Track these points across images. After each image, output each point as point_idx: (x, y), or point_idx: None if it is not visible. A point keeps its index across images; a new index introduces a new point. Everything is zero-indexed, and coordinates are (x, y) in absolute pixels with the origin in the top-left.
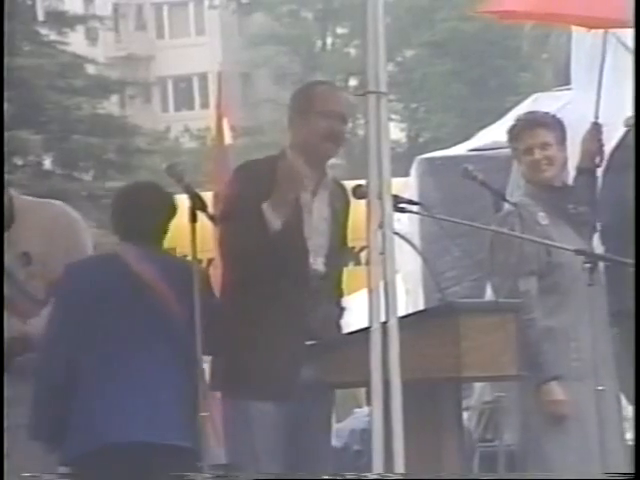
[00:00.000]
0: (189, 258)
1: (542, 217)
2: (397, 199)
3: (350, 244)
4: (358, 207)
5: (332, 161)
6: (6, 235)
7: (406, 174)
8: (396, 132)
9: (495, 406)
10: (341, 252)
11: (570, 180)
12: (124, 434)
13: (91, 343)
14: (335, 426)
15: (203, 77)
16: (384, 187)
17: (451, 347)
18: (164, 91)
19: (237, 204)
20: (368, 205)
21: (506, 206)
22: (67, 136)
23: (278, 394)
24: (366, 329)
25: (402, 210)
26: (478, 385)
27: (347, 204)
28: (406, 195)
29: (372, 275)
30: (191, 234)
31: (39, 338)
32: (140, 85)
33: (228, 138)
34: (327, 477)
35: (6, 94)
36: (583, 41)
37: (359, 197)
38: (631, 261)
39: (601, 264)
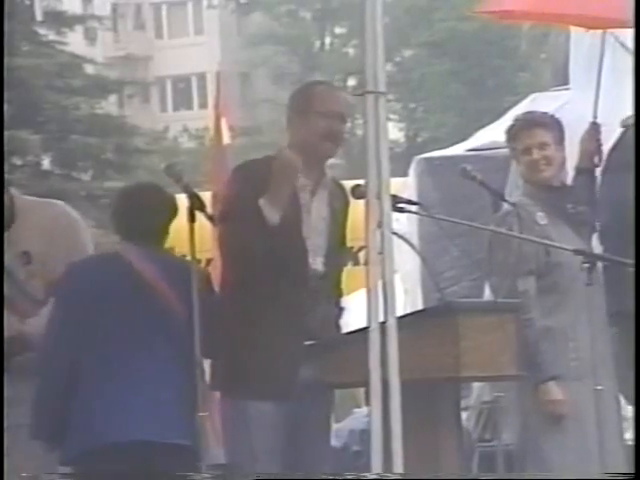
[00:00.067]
0: (188, 258)
1: (541, 217)
2: (396, 199)
3: (349, 244)
4: (357, 207)
5: (331, 161)
6: (6, 234)
7: (405, 174)
8: (395, 132)
9: (494, 406)
10: (340, 252)
11: (569, 180)
12: (124, 433)
13: (92, 342)
14: (334, 426)
15: (202, 77)
16: (383, 187)
17: (450, 347)
18: (163, 91)
19: (235, 204)
20: (367, 205)
21: (505, 206)
22: (65, 136)
23: (277, 394)
24: (365, 329)
25: (401, 210)
26: (477, 385)
27: (346, 204)
28: (405, 195)
29: (371, 275)
30: (190, 234)
31: (39, 337)
32: (139, 85)
33: (226, 138)
34: (326, 477)
35: (5, 94)
36: (581, 41)
37: (358, 197)
38: (630, 261)
39: (600, 264)
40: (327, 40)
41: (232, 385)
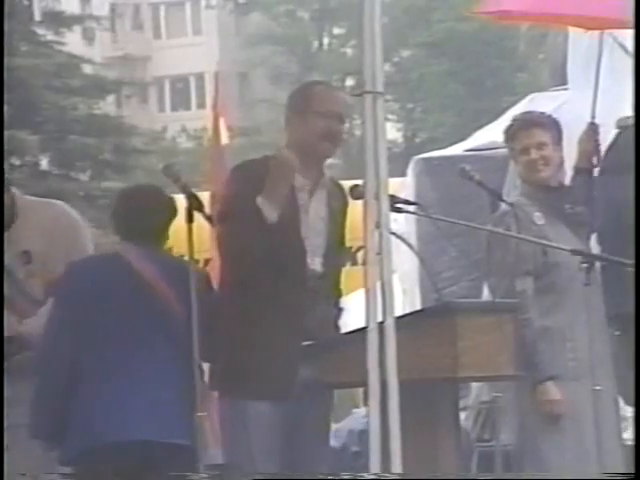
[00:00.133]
0: (186, 258)
1: (538, 217)
2: (394, 199)
3: (347, 244)
4: (355, 207)
5: (329, 161)
6: (7, 233)
7: (403, 174)
8: (393, 132)
9: (492, 406)
10: (339, 252)
11: (567, 180)
12: (123, 432)
13: (91, 342)
14: (333, 427)
15: (200, 77)
16: (381, 187)
17: (448, 347)
18: (161, 91)
19: (234, 204)
20: (365, 205)
21: (502, 206)
22: (64, 136)
23: (276, 394)
24: (363, 329)
25: (399, 210)
26: (475, 385)
27: (345, 204)
28: (403, 195)
29: (369, 275)
30: (188, 234)
31: (37, 337)
32: (137, 85)
33: (225, 138)
34: (324, 477)
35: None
36: (580, 41)
37: (356, 197)
38: (628, 261)
39: (598, 264)
40: (325, 40)
41: (231, 385)
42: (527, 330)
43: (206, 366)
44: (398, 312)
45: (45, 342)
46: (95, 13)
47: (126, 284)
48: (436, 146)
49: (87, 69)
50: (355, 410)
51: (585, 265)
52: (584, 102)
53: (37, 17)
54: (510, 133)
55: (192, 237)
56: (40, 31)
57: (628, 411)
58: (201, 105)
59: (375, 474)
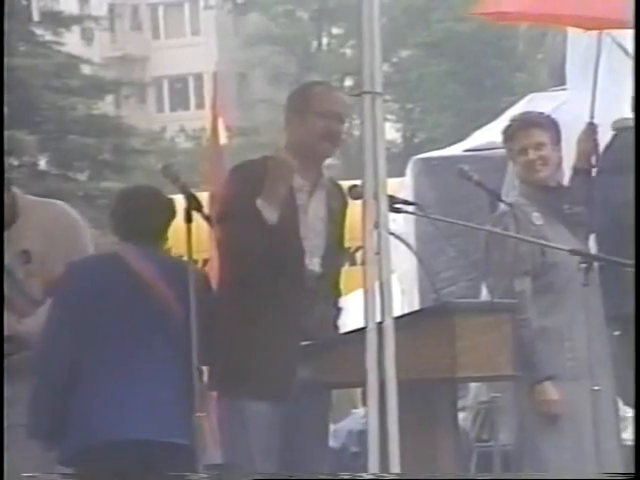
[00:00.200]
0: (185, 258)
1: (537, 217)
2: (392, 199)
3: (346, 244)
4: (354, 207)
5: (328, 161)
6: (7, 233)
7: (402, 174)
8: (392, 132)
9: (491, 406)
10: (338, 252)
11: (565, 180)
12: (121, 431)
13: (90, 342)
14: (332, 427)
15: (199, 77)
16: (379, 187)
17: (446, 347)
18: (159, 91)
19: (233, 204)
20: (364, 205)
21: (501, 206)
22: (62, 136)
23: (274, 394)
24: (362, 329)
25: (397, 210)
26: (474, 385)
27: (344, 204)
28: (401, 195)
29: (368, 275)
30: (187, 234)
31: (36, 337)
32: (135, 85)
33: (223, 138)
34: (323, 477)
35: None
36: (578, 41)
37: (355, 197)
38: (626, 261)
39: (596, 264)
40: (324, 40)
41: (229, 385)
42: (525, 330)
43: (205, 366)
44: (397, 312)
45: (44, 342)
46: (94, 13)
47: (125, 284)
48: (435, 146)
49: (86, 69)
50: (354, 410)
51: (584, 265)
52: (583, 102)
53: (36, 17)
54: (508, 133)
55: (191, 237)
56: (39, 31)
57: (626, 411)
58: (200, 105)
59: (374, 474)
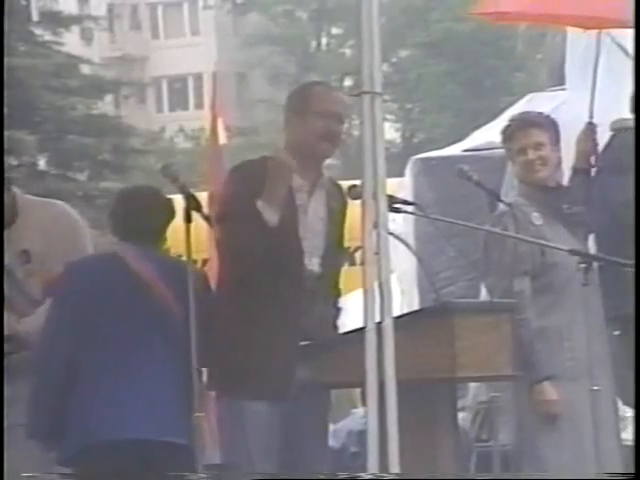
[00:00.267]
0: (184, 258)
1: (536, 217)
2: (392, 199)
3: (345, 244)
4: (353, 207)
5: (327, 161)
6: (7, 232)
7: (401, 174)
8: (391, 132)
9: (490, 406)
10: (337, 252)
11: (564, 180)
12: (120, 431)
13: (89, 342)
14: (332, 427)
15: (198, 77)
16: (379, 187)
17: (446, 347)
18: (159, 91)
19: (233, 205)
20: (363, 205)
21: (500, 206)
22: (62, 136)
23: (273, 394)
24: (361, 329)
25: (397, 210)
26: (473, 385)
27: (344, 204)
28: (401, 195)
29: (367, 275)
30: (186, 234)
31: (35, 336)
32: (135, 85)
33: (223, 138)
34: (321, 477)
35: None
36: (578, 41)
37: (354, 197)
38: (625, 261)
39: (596, 264)
40: (323, 40)
41: (229, 385)
42: (525, 330)
43: (204, 367)
44: (396, 312)
45: (43, 341)
46: (93, 13)
47: (124, 284)
48: (434, 146)
49: (85, 69)
50: (354, 410)
51: (583, 265)
52: (582, 102)
53: (35, 17)
54: (507, 133)
55: (190, 237)
56: (38, 31)
57: (625, 411)
58: (199, 105)
59: (373, 474)
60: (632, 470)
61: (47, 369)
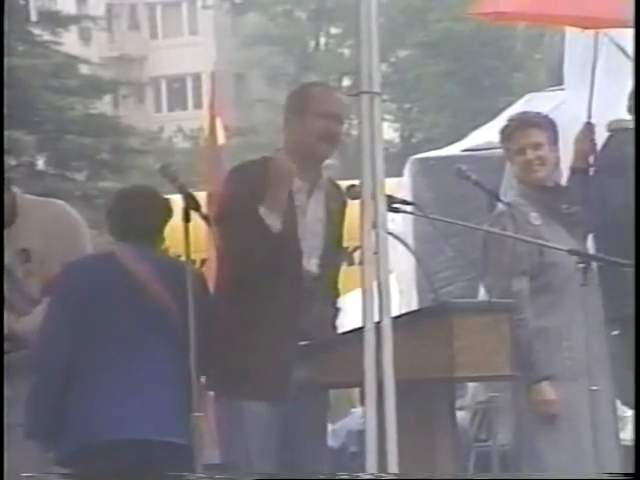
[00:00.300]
0: (183, 258)
1: (534, 217)
2: (391, 199)
3: (344, 244)
4: (352, 207)
5: (326, 161)
6: (7, 232)
7: (399, 174)
8: (389, 132)
9: (489, 406)
10: (336, 252)
11: (563, 180)
12: (119, 431)
13: (87, 342)
14: (332, 426)
15: (196, 77)
16: (377, 187)
17: (444, 347)
18: (157, 91)
19: (233, 206)
20: (361, 205)
21: (499, 206)
22: (60, 136)
23: (272, 394)
24: (360, 329)
25: (396, 210)
26: (472, 385)
27: (343, 204)
28: (399, 195)
29: (366, 275)
30: (184, 234)
31: (33, 336)
32: (133, 85)
33: (221, 138)
34: (321, 477)
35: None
36: (576, 41)
37: (353, 197)
38: (624, 261)
39: (595, 265)
40: (322, 40)
41: (227, 385)
42: (523, 330)
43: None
44: (395, 312)
45: (41, 341)
46: (91, 13)
47: (122, 284)
48: (433, 146)
49: (84, 69)
50: (353, 410)
51: (581, 265)
52: (581, 102)
53: (33, 17)
54: (506, 133)
55: (189, 237)
56: (36, 31)
57: (624, 411)
58: (198, 105)
59: (371, 474)
60: (631, 470)
61: (45, 369)
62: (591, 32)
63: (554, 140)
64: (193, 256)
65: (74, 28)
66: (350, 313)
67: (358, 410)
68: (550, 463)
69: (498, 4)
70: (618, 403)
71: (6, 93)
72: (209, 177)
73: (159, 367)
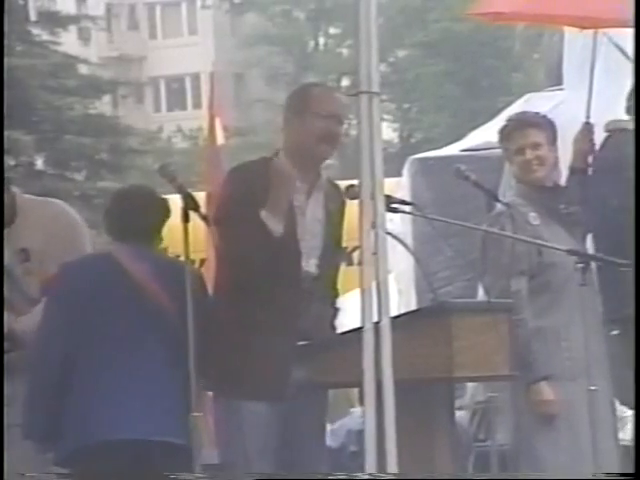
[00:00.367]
0: (182, 258)
1: (533, 217)
2: (389, 199)
3: (343, 244)
4: (350, 207)
5: (325, 162)
6: (6, 231)
7: (398, 174)
8: (388, 132)
9: (488, 406)
10: (335, 253)
11: (562, 180)
12: (117, 431)
13: (85, 342)
14: (331, 426)
15: (196, 77)
16: (376, 187)
17: (443, 347)
18: (156, 91)
19: (232, 207)
20: (360, 205)
21: (498, 206)
22: (59, 136)
23: (270, 394)
24: (359, 329)
25: (394, 210)
26: (471, 385)
27: (342, 204)
28: (398, 195)
29: (365, 275)
30: (184, 234)
31: (31, 335)
32: (132, 85)
33: (220, 138)
34: (320, 477)
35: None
36: (575, 41)
37: (351, 197)
38: (622, 261)
39: (594, 265)
40: (321, 40)
41: (226, 385)
42: (522, 330)
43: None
44: (394, 312)
45: (38, 341)
46: (91, 13)
47: (119, 284)
48: (432, 146)
49: (83, 69)
50: (353, 409)
51: (580, 265)
52: (580, 102)
53: (33, 17)
54: (505, 133)
55: (188, 237)
56: (36, 31)
57: (623, 411)
58: (197, 105)
59: (371, 474)
60: (629, 470)
61: (42, 369)
62: (590, 32)
63: (553, 140)
64: (192, 256)
65: (73, 28)
66: (349, 313)
67: (357, 410)
68: (549, 463)
69: (496, 4)
70: (617, 403)
71: (5, 93)
72: (208, 177)
73: (157, 367)
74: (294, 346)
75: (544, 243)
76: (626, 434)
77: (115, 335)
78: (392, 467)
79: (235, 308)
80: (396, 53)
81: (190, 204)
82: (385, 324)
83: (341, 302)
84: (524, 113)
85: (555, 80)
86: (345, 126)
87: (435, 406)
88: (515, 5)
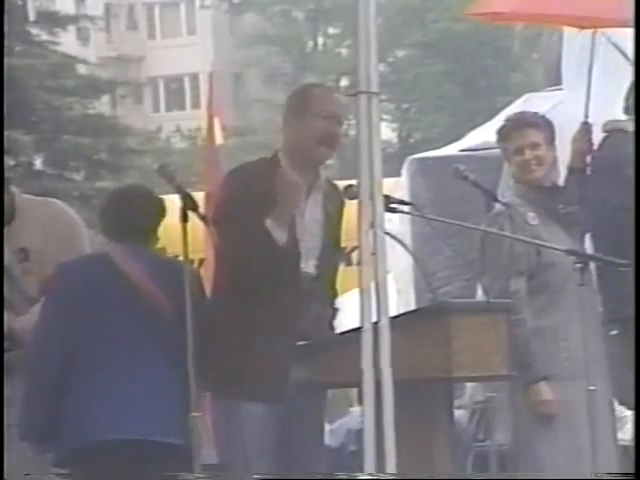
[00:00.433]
0: (180, 258)
1: (532, 217)
2: (388, 199)
3: (342, 244)
4: (349, 207)
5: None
6: (6, 231)
7: (397, 174)
8: (387, 132)
9: (486, 406)
10: (334, 253)
11: (560, 180)
12: (116, 430)
13: (82, 342)
14: (330, 426)
15: (194, 77)
16: (375, 187)
17: (442, 347)
18: (155, 91)
19: (231, 208)
20: (359, 205)
21: (497, 206)
22: (58, 136)
23: (270, 395)
24: (357, 329)
25: (393, 210)
26: (470, 385)
27: (341, 205)
28: (397, 195)
29: (363, 275)
30: (182, 234)
31: (29, 335)
32: (131, 85)
33: (219, 138)
34: (319, 477)
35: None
36: (574, 41)
37: (350, 197)
38: (620, 261)
39: (592, 265)
40: (320, 40)
41: (225, 385)
42: (520, 330)
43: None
44: (393, 312)
45: (36, 341)
46: (90, 13)
47: (116, 284)
48: (430, 146)
49: (81, 69)
50: (352, 409)
51: (579, 265)
52: (578, 102)
53: (32, 17)
54: (503, 133)
55: (187, 237)
56: (34, 31)
57: (622, 411)
58: (195, 105)
59: (370, 474)
60: (628, 470)
61: (40, 369)
62: (588, 32)
63: (551, 140)
64: (191, 256)
65: (72, 28)
66: (348, 313)
67: (356, 410)
68: (548, 463)
69: (495, 4)
70: (616, 403)
71: (4, 93)
72: (207, 177)
73: (156, 367)
74: (293, 346)
75: (543, 243)
76: (625, 434)
77: (113, 335)
78: (391, 467)
79: (234, 308)
80: (395, 53)
81: (189, 204)
82: (384, 324)
83: (340, 302)
84: (523, 113)
85: (554, 80)
86: (344, 126)
87: (434, 406)
88: (514, 5)
